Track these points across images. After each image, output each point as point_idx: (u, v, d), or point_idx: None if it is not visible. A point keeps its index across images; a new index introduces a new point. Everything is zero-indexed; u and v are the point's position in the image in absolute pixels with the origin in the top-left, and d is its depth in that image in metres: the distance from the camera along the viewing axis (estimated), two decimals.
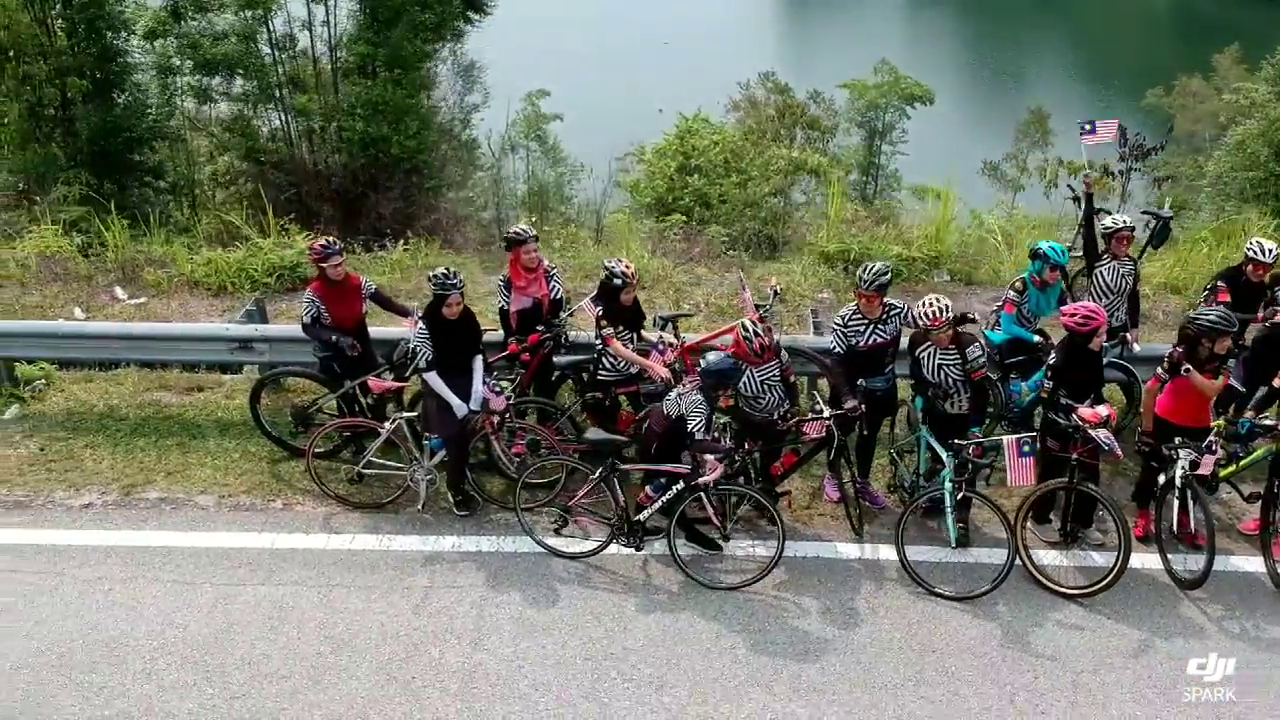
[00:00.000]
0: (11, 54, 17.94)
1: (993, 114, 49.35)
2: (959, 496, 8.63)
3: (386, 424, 9.46)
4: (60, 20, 19.99)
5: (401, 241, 13.81)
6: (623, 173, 29.46)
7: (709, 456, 8.28)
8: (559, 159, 30.22)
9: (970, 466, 8.57)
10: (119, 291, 13.10)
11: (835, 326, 8.99)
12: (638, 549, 9.00)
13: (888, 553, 9.13)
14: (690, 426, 8.24)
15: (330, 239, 9.76)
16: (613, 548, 9.06)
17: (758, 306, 9.93)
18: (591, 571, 8.97)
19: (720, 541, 8.94)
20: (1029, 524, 8.99)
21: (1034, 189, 35.15)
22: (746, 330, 8.58)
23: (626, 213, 25.63)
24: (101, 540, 9.33)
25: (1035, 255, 9.86)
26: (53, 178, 18.80)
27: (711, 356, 8.40)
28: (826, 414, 8.80)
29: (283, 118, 17.19)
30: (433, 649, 8.20)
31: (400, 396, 10.04)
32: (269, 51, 16.73)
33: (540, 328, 9.71)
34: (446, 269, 9.02)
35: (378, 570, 9.00)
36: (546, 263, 9.98)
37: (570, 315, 9.93)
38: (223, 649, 8.20)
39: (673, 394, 8.51)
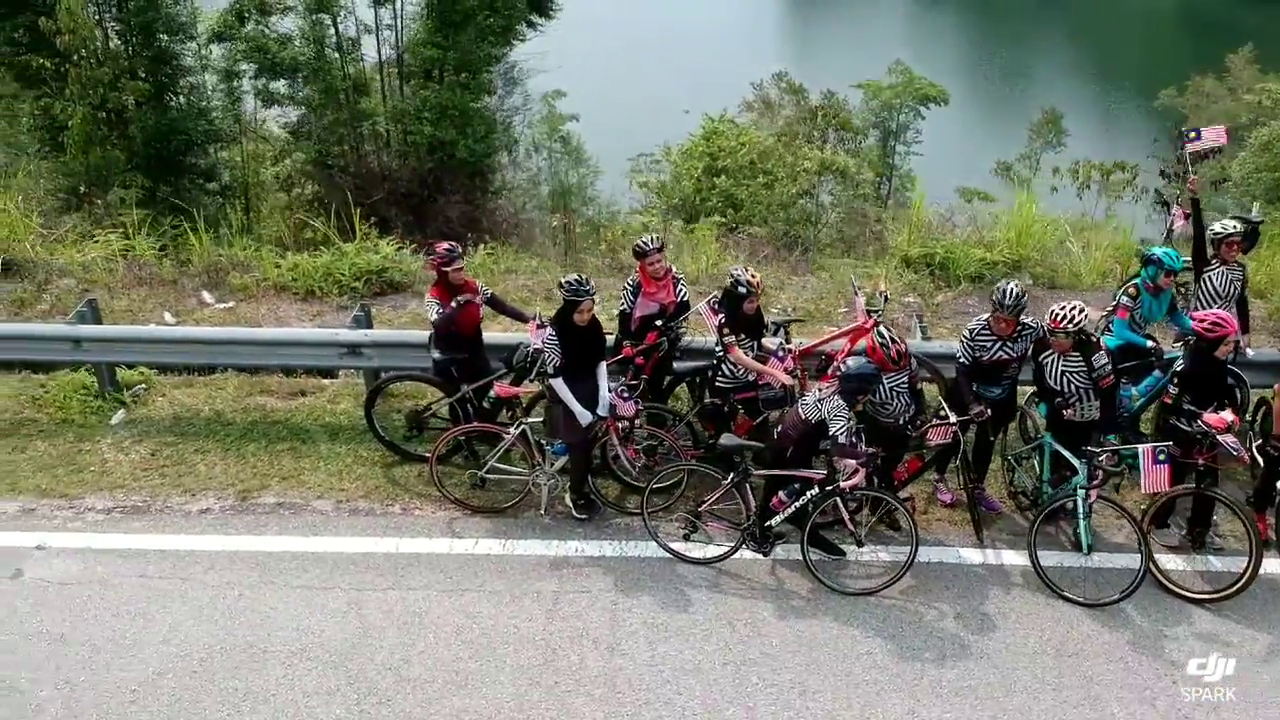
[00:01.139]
0: (76, 58, 17.95)
1: (1002, 114, 49.47)
2: (1089, 503, 8.67)
3: (511, 429, 9.48)
4: (115, 24, 20.04)
5: (482, 245, 13.84)
6: (635, 173, 29.50)
7: (851, 461, 8.32)
8: (580, 160, 30.24)
9: (1103, 474, 8.61)
10: (206, 296, 13.14)
11: (963, 339, 9.03)
12: (765, 554, 9.03)
13: (1010, 557, 9.18)
14: (833, 430, 8.28)
15: (452, 243, 9.79)
16: (737, 552, 9.08)
17: (870, 311, 9.98)
18: (718, 576, 9.01)
19: (852, 546, 8.96)
20: (1152, 530, 9.03)
21: (1064, 190, 35.08)
22: (883, 337, 8.61)
23: (655, 213, 25.75)
24: (224, 545, 9.36)
25: (1149, 261, 9.89)
26: (110, 180, 18.82)
27: (852, 361, 8.45)
28: (952, 419, 8.83)
29: (348, 121, 17.19)
30: (571, 654, 8.24)
31: (511, 401, 10.05)
32: (335, 55, 16.72)
33: (658, 324, 9.73)
34: (579, 275, 9.05)
35: (505, 575, 9.03)
36: (674, 269, 10.01)
37: (685, 319, 9.94)
38: (361, 654, 8.23)
39: (810, 399, 8.54)
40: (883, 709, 7.78)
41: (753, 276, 9.20)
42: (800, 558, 9.02)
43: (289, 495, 9.97)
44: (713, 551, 9.12)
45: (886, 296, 10.24)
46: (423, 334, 10.75)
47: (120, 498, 9.96)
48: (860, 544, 8.84)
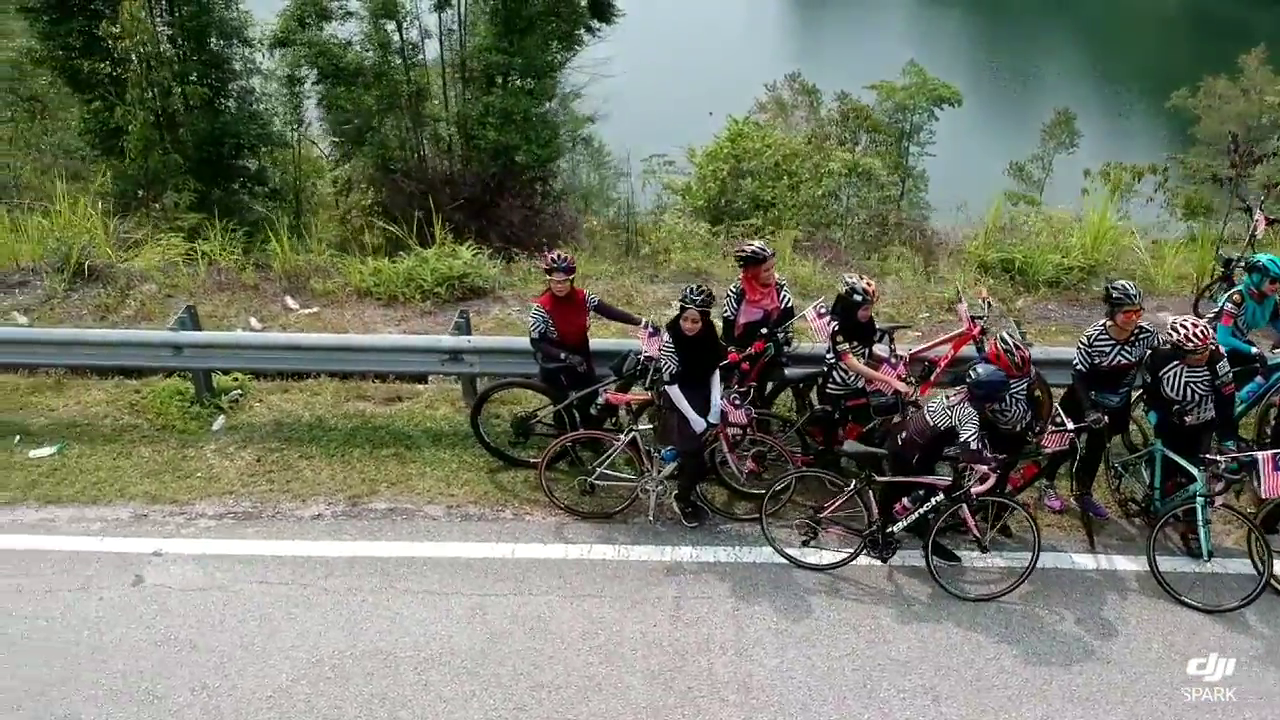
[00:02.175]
0: (136, 62, 18.01)
1: (1011, 115, 49.52)
2: (1208, 509, 8.74)
3: (621, 435, 9.55)
4: (166, 28, 20.08)
5: (558, 251, 13.88)
6: (649, 173, 29.49)
7: (981, 467, 8.38)
8: (601, 161, 30.25)
9: (1223, 480, 8.68)
10: (290, 301, 13.19)
11: (1080, 345, 9.09)
12: (884, 560, 9.09)
13: (1123, 563, 9.26)
14: (965, 437, 8.34)
15: (561, 252, 9.85)
16: (855, 559, 9.15)
17: (975, 318, 10.04)
18: (835, 582, 9.08)
19: (972, 551, 9.02)
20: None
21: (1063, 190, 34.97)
22: (1006, 343, 8.68)
23: (679, 214, 25.74)
24: (341, 551, 9.43)
25: (1254, 268, 9.97)
26: (164, 184, 18.88)
27: (981, 368, 8.49)
28: (1070, 426, 8.89)
29: (409, 126, 17.26)
30: (700, 659, 8.30)
31: (614, 407, 10.12)
32: (398, 60, 16.78)
33: (763, 331, 9.79)
34: (696, 284, 9.12)
35: (622, 580, 9.10)
36: (778, 276, 10.08)
37: (790, 326, 10.00)
38: (492, 660, 8.30)
39: (937, 405, 8.61)
40: (1017, 714, 7.87)
41: (868, 284, 9.26)
42: (914, 563, 9.14)
43: (399, 501, 10.03)
44: (829, 557, 9.18)
45: (990, 303, 10.29)
46: (522, 341, 10.81)
47: (230, 503, 10.02)
48: (984, 549, 8.91)
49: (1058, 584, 9.05)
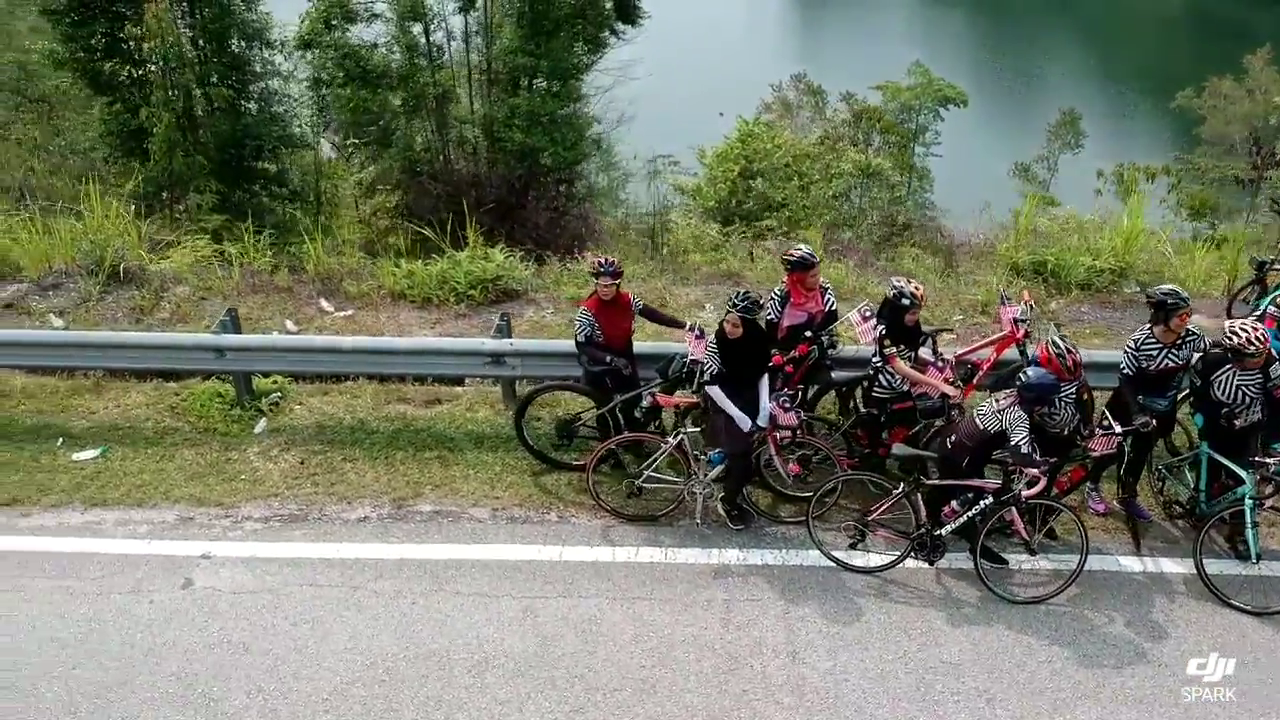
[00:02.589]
0: (161, 63, 18.04)
1: (1014, 115, 49.59)
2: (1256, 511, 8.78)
3: (669, 437, 9.58)
4: (187, 30, 20.12)
5: (588, 253, 13.95)
6: (656, 174, 29.53)
7: (1032, 470, 8.41)
8: (610, 162, 30.24)
9: (1272, 483, 8.71)
10: (324, 304, 13.22)
11: (1128, 349, 9.11)
12: (931, 563, 9.11)
13: (1169, 565, 9.29)
14: (1016, 440, 8.37)
15: (607, 258, 9.88)
16: (903, 561, 9.18)
17: (1019, 321, 10.06)
18: (884, 585, 9.10)
19: (1020, 554, 9.05)
20: None
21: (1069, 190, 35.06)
22: (1058, 347, 8.72)
23: (690, 215, 25.77)
24: (388, 553, 9.46)
25: None
26: (186, 186, 18.93)
27: (1031, 372, 8.52)
28: (1117, 430, 8.92)
29: (435, 128, 17.27)
30: (753, 662, 8.34)
31: (660, 410, 10.16)
32: (424, 62, 16.80)
33: (807, 334, 9.82)
34: (742, 290, 9.15)
35: (670, 583, 9.13)
36: (822, 279, 10.11)
37: (834, 329, 10.03)
38: (545, 662, 8.33)
39: (987, 409, 8.63)
40: (1071, 717, 7.89)
41: (916, 288, 9.29)
42: (960, 566, 9.17)
43: (444, 503, 10.06)
44: (877, 560, 9.22)
45: (1033, 306, 10.32)
46: (564, 344, 10.85)
47: (276, 506, 10.05)
48: (1033, 552, 8.93)
49: (1105, 586, 9.08)
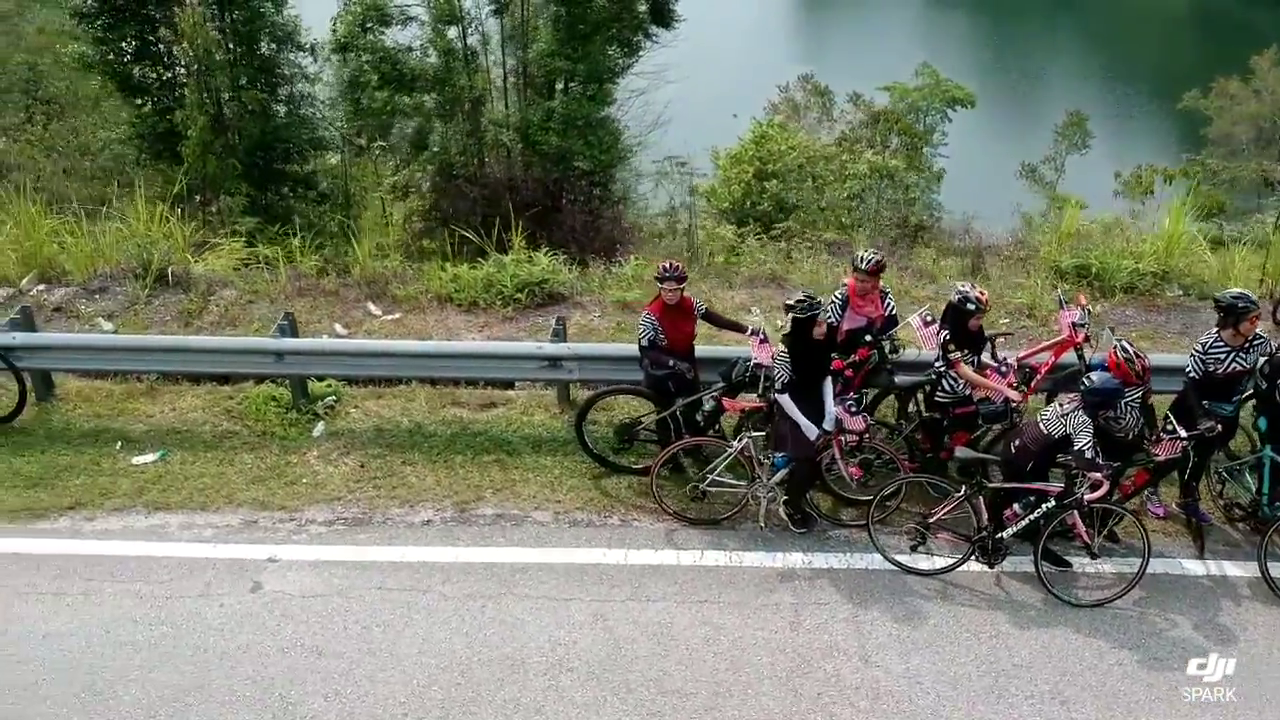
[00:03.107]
0: (195, 65, 18.10)
1: (1020, 115, 49.63)
2: None
3: (735, 442, 9.64)
4: (217, 33, 20.15)
5: (633, 258, 14.00)
6: (663, 174, 29.53)
7: (1096, 475, 8.47)
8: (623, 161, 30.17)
9: None
10: (372, 307, 13.27)
11: (1195, 353, 9.17)
12: (992, 566, 9.18)
13: (1233, 568, 9.36)
14: (1080, 445, 8.44)
15: (673, 261, 9.94)
16: (964, 564, 9.24)
17: (1077, 326, 10.12)
18: (946, 588, 9.16)
19: (1081, 558, 9.11)
20: None
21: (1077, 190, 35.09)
22: (1126, 352, 8.80)
23: (706, 216, 25.82)
24: (455, 556, 9.52)
25: None
26: (218, 188, 18.98)
27: (1096, 376, 8.59)
28: (1182, 434, 8.98)
29: (470, 131, 17.32)
30: (825, 665, 8.40)
31: (721, 414, 10.23)
32: (460, 65, 16.86)
33: (867, 339, 9.88)
34: (809, 293, 9.22)
35: (738, 586, 9.19)
36: (882, 283, 10.17)
37: (895, 333, 10.09)
38: (618, 666, 8.39)
39: (1051, 414, 8.70)
40: (1149, 718, 7.94)
41: (981, 294, 9.36)
42: (1021, 569, 9.21)
43: (506, 506, 10.12)
44: (939, 563, 9.28)
45: (1089, 310, 10.38)
46: (621, 347, 10.93)
47: (339, 509, 10.11)
48: (1094, 555, 8.99)
49: (1170, 590, 9.14)
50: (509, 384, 11.87)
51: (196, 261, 14.51)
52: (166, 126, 19.86)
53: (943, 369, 9.56)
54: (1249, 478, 9.62)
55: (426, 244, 15.35)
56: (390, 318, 13.12)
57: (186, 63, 18.30)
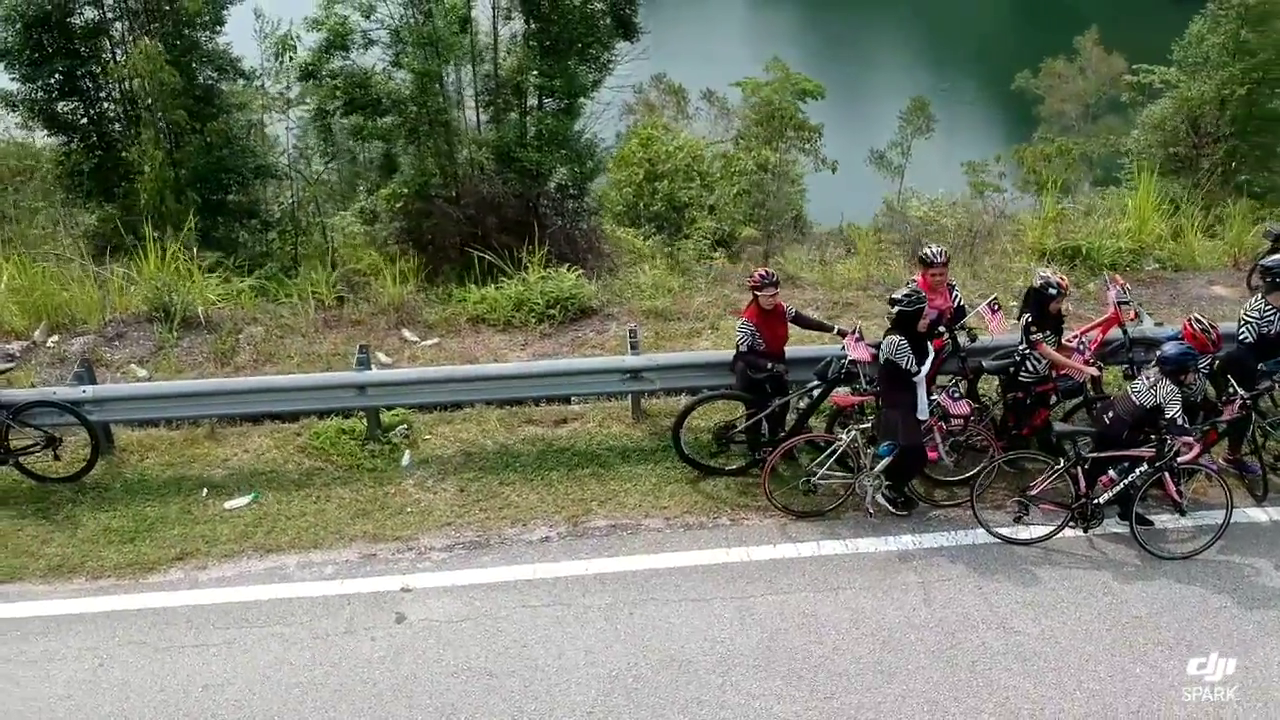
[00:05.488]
0: (150, 102, 17.66)
1: (862, 104, 51.70)
2: None
3: (844, 435, 10.18)
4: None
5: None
6: None
7: (1186, 438, 9.32)
8: None
9: None
10: (407, 334, 13.33)
11: (1250, 320, 10.15)
12: (1087, 530, 9.96)
13: None
14: (1171, 414, 9.27)
15: (768, 269, 10.42)
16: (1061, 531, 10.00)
17: (1122, 304, 11.01)
18: (1047, 555, 9.89)
19: (1172, 516, 9.96)
20: None
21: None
22: (1201, 323, 9.70)
23: (606, 219, 26.40)
24: (584, 569, 9.80)
25: None
26: (177, 224, 18.53)
27: (1169, 347, 9.43)
28: (1243, 395, 9.93)
29: (446, 150, 17.34)
30: (969, 635, 9.01)
31: (810, 412, 10.76)
32: (436, 86, 16.88)
33: (940, 330, 10.53)
34: (915, 288, 9.83)
35: (863, 571, 9.74)
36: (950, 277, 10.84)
37: (967, 322, 10.79)
38: (780, 656, 8.83)
39: (1140, 386, 9.51)
40: (1263, 651, 8.80)
41: (1062, 279, 10.13)
42: (1109, 531, 10.02)
43: (616, 517, 10.43)
44: (1037, 532, 10.01)
45: (1127, 288, 11.27)
46: (697, 355, 11.38)
47: (454, 534, 10.25)
48: (1183, 512, 9.84)
49: (1241, 538, 10.05)
50: (565, 400, 12.14)
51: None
52: (91, 165, 19.33)
53: (1027, 351, 10.27)
54: None
55: (404, 266, 15.30)
56: (428, 343, 13.22)
57: (140, 97, 17.74)
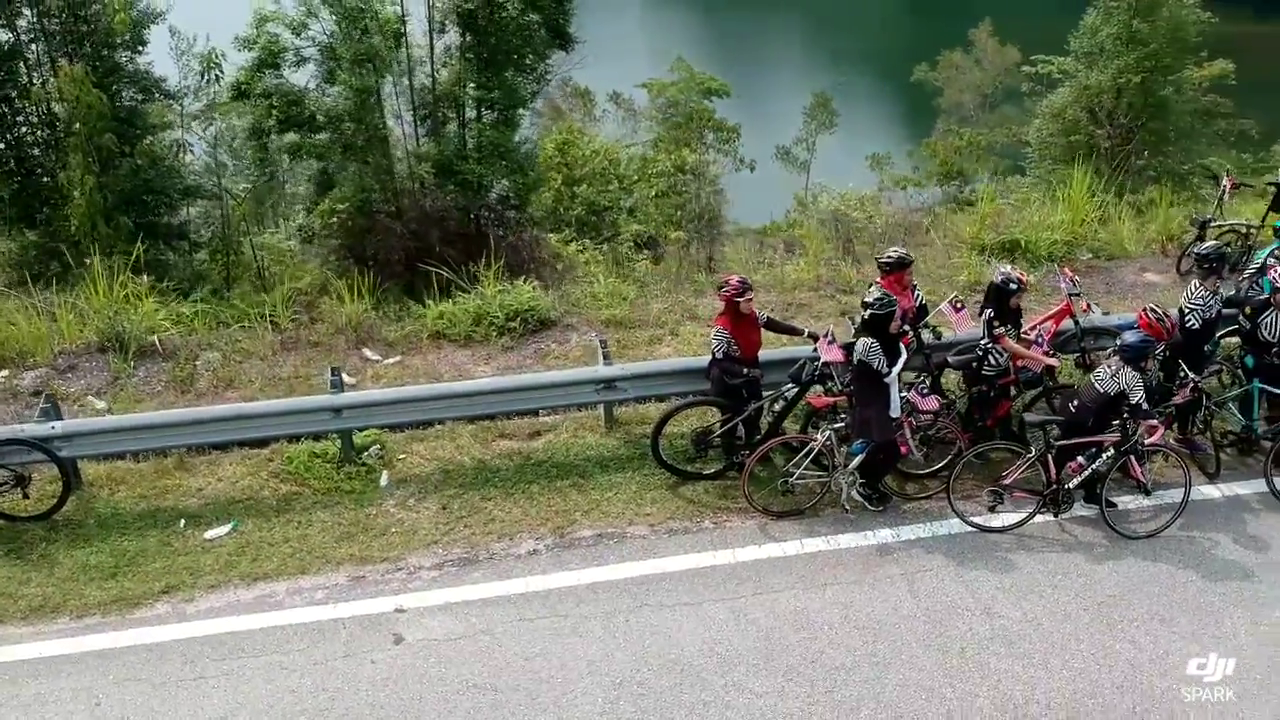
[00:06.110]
0: (77, 126, 17.27)
1: (763, 102, 52.43)
2: None
3: (818, 435, 10.46)
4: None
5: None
6: None
7: (1151, 421, 9.79)
8: None
9: None
10: (368, 353, 13.28)
11: (1196, 306, 10.71)
12: (1057, 515, 10.38)
13: (1241, 488, 10.94)
14: (1135, 399, 9.72)
15: (744, 277, 10.65)
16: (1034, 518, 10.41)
17: (1073, 295, 11.49)
18: (1019, 540, 10.30)
19: (1136, 496, 10.43)
20: None
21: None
22: (1157, 312, 10.19)
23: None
24: (576, 580, 9.93)
25: None
26: (109, 248, 18.19)
27: (1129, 335, 9.88)
28: (1194, 379, 10.49)
29: (386, 165, 17.25)
30: (956, 622, 9.36)
31: (785, 414, 11.02)
32: (374, 101, 16.78)
33: (905, 328, 10.86)
34: (885, 291, 10.14)
35: (847, 567, 10.03)
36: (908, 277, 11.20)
37: (929, 320, 11.15)
38: (778, 653, 9.08)
39: (1103, 374, 9.94)
40: (1230, 621, 9.30)
41: (1021, 275, 10.54)
42: (1074, 515, 10.47)
43: (601, 526, 10.56)
44: (1010, 520, 10.41)
45: (1076, 280, 11.76)
46: (668, 363, 11.58)
47: (441, 552, 10.29)
48: (1148, 492, 10.33)
49: (1197, 513, 10.56)
50: (533, 412, 12.22)
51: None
52: (14, 189, 18.87)
53: (989, 345, 10.65)
54: (1234, 409, 11.19)
55: (351, 283, 15.18)
56: (390, 361, 13.19)
57: (65, 121, 17.36)
